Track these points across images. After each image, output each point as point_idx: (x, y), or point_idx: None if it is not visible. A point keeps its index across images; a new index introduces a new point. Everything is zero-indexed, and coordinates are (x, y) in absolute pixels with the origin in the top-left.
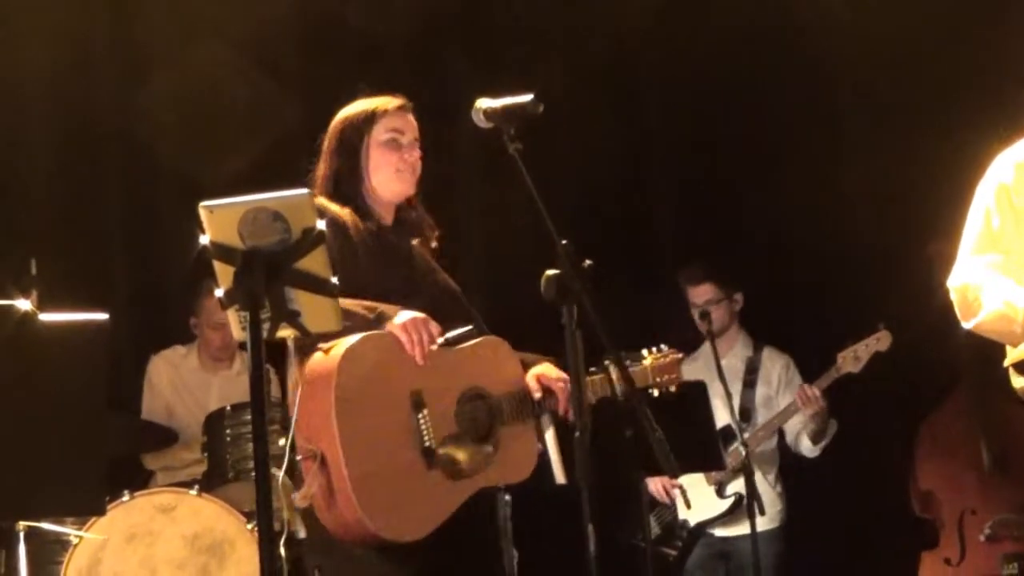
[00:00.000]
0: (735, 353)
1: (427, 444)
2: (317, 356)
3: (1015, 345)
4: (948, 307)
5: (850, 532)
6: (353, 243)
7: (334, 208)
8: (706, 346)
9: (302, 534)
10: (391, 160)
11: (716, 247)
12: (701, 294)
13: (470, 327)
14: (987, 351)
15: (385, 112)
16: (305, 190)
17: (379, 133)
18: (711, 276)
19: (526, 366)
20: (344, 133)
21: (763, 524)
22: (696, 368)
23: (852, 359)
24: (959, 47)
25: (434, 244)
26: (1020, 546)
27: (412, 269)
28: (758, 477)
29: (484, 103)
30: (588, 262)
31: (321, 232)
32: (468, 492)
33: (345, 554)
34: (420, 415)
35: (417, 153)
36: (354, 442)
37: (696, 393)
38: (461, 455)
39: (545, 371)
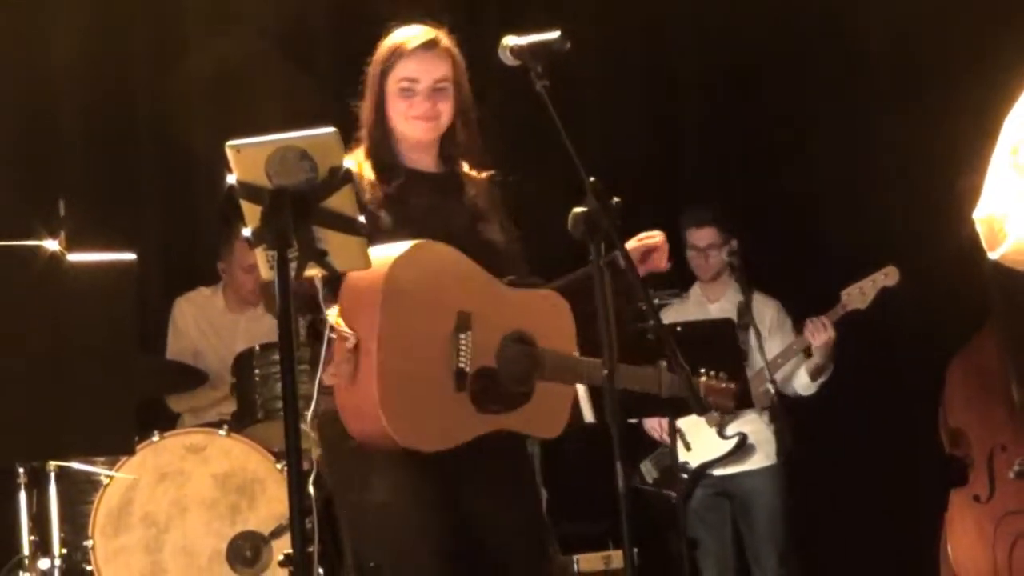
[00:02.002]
0: (728, 298)
1: (461, 366)
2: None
3: None
4: (977, 241)
5: (880, 470)
6: (363, 204)
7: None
8: (695, 289)
9: None
10: (401, 110)
11: (740, 188)
12: (704, 237)
13: (534, 279)
14: (1017, 285)
15: (401, 55)
16: (331, 128)
17: (394, 81)
18: (715, 219)
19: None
20: (370, 78)
21: (761, 461)
22: (685, 310)
23: (858, 295)
24: None
25: (482, 176)
26: None
27: (444, 224)
28: (753, 416)
29: (510, 40)
30: (616, 199)
31: (348, 171)
32: (489, 426)
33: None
34: (463, 336)
35: (427, 103)
36: (393, 336)
37: (725, 330)
38: None
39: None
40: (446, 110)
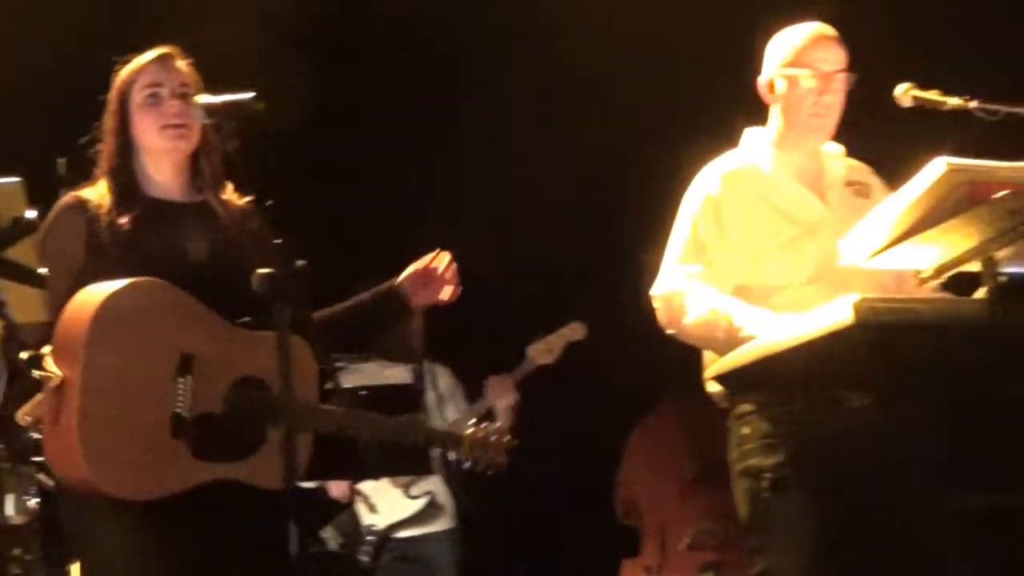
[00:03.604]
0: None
1: (177, 411)
2: (82, 293)
3: (720, 353)
4: (655, 317)
5: (552, 537)
6: (99, 238)
7: (90, 197)
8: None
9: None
10: (151, 120)
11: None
12: None
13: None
14: (693, 360)
15: (141, 70)
16: (16, 179)
17: (137, 93)
18: None
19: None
20: (110, 106)
21: (445, 524)
22: (359, 379)
23: (545, 351)
24: (671, 61)
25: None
26: (719, 555)
27: (184, 257)
28: (436, 479)
29: (203, 99)
30: (302, 262)
31: (30, 222)
32: (207, 475)
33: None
34: (181, 380)
35: (176, 104)
36: (100, 378)
37: (409, 395)
38: None
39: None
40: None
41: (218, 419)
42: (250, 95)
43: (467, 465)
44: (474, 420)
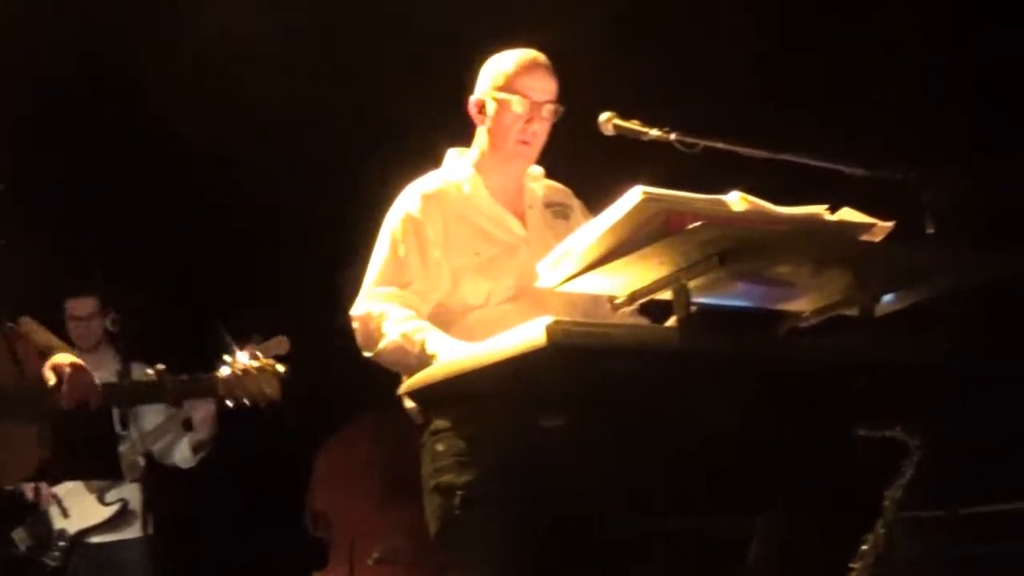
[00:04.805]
0: (107, 366)
1: None
2: None
3: (412, 375)
4: (353, 335)
5: (242, 547)
6: None
7: None
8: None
9: None
10: None
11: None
12: (84, 306)
13: None
14: (389, 378)
15: None
16: None
17: None
18: (95, 289)
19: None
20: None
21: (138, 531)
22: None
23: None
24: (375, 80)
25: None
26: (408, 570)
27: None
28: (133, 486)
29: None
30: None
31: None
32: None
33: None
34: None
35: None
36: None
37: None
38: None
39: (59, 359)
40: None
41: None
42: None
43: (231, 405)
44: (229, 359)
